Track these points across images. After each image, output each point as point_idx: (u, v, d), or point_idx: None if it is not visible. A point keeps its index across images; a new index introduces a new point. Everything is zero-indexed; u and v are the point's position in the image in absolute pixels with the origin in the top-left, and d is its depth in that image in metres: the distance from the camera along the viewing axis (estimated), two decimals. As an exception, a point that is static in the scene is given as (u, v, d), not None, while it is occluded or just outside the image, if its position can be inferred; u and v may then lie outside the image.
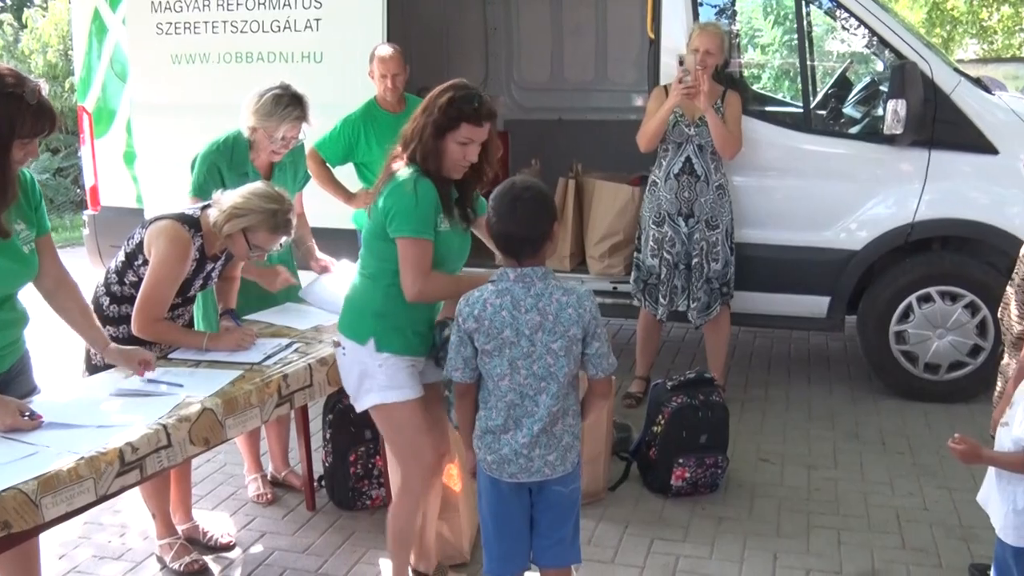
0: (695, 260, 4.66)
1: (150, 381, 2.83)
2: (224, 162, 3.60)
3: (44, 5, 14.80)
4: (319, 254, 3.95)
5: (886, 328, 4.89)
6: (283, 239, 3.17)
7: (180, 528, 3.52)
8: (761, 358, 5.86)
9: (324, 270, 3.90)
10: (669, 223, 4.65)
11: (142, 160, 5.79)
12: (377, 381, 2.84)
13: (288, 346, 3.19)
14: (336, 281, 3.77)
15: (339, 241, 4.60)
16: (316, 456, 3.95)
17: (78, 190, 10.91)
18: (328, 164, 4.71)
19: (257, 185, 3.18)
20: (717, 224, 4.66)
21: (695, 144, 4.58)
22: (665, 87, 4.66)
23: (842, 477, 4.14)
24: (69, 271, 2.80)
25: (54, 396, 2.75)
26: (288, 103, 3.52)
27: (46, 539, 2.86)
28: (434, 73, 7.36)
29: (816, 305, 4.98)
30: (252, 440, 3.95)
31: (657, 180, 4.69)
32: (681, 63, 4.49)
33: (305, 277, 3.94)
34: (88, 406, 2.66)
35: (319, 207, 4.27)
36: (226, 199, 3.11)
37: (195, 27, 5.49)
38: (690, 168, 4.60)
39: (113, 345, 2.88)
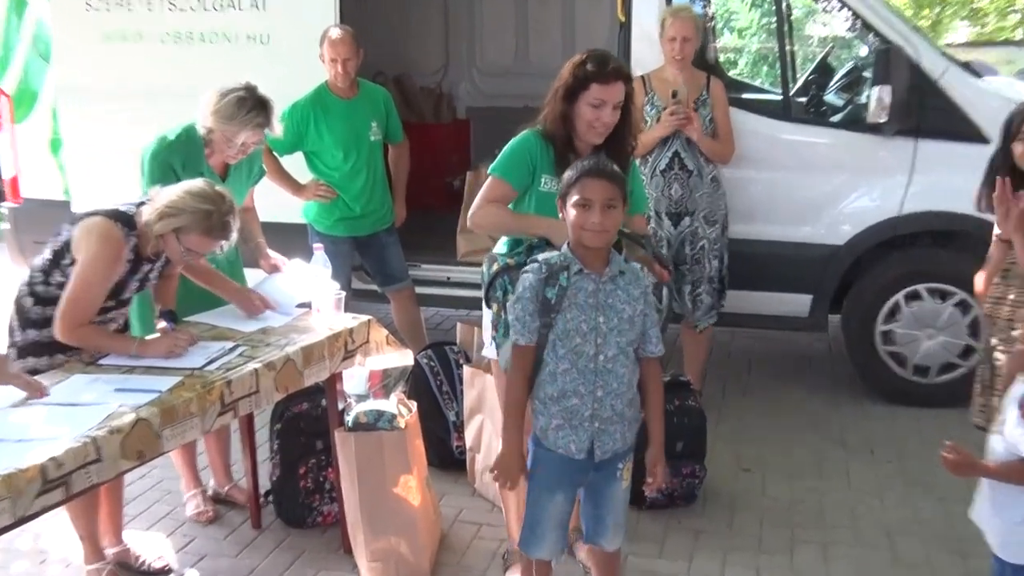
0: (696, 259, 4.63)
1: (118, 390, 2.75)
2: (178, 160, 3.53)
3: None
4: (269, 252, 3.89)
5: (872, 328, 4.90)
6: (221, 243, 3.10)
7: (110, 552, 3.44)
8: (740, 360, 5.86)
9: (274, 269, 3.84)
10: (655, 222, 4.61)
11: (69, 148, 5.66)
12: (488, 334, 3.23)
13: (232, 349, 3.12)
14: (288, 281, 3.72)
15: (290, 237, 4.56)
16: (262, 469, 3.88)
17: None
18: (275, 153, 4.66)
19: (195, 183, 3.12)
20: (715, 219, 4.64)
21: (683, 139, 4.53)
22: (643, 77, 4.60)
23: (827, 487, 4.14)
24: None
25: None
26: (252, 107, 3.48)
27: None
28: (390, 57, 7.38)
29: (797, 303, 4.99)
30: (188, 453, 3.88)
31: (644, 177, 4.63)
32: (675, 95, 4.46)
33: (253, 276, 3.86)
34: (6, 417, 2.56)
35: (268, 200, 4.22)
36: (161, 196, 3.05)
37: (129, 3, 5.39)
38: (680, 163, 4.56)
39: None
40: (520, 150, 3.04)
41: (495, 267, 2.89)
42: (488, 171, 3.09)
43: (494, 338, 2.97)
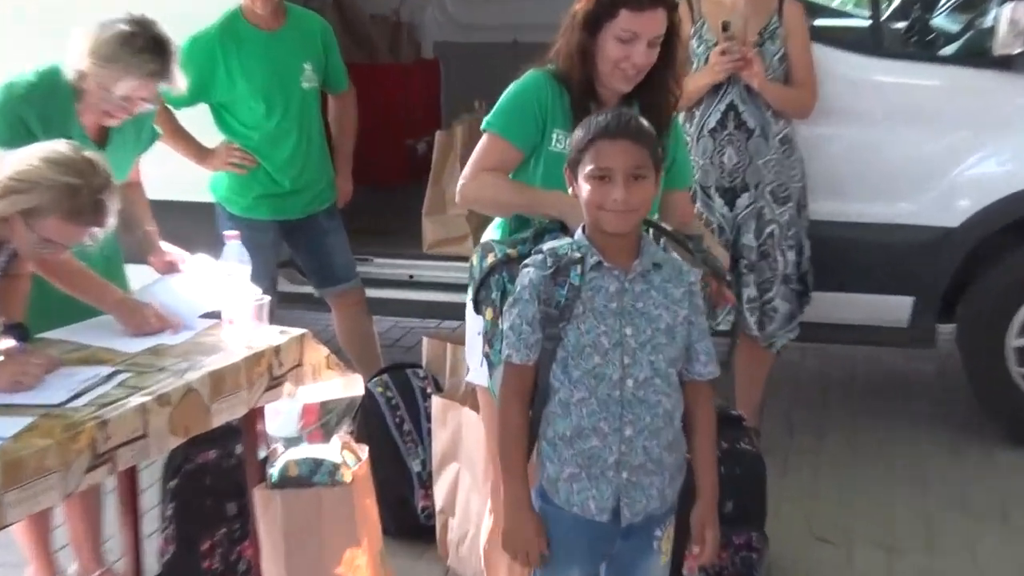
0: (763, 252, 4.66)
1: None
2: (34, 114, 3.51)
3: None
4: (162, 243, 3.88)
5: (1001, 343, 4.90)
6: (92, 231, 3.07)
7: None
8: (812, 387, 5.90)
9: (170, 268, 3.84)
10: (702, 201, 4.61)
11: None
12: None
13: (109, 377, 3.08)
14: (188, 283, 3.75)
15: (192, 221, 4.58)
16: (149, 545, 3.87)
17: None
18: (170, 107, 4.64)
19: (56, 146, 3.07)
20: (787, 194, 4.65)
21: (740, 86, 4.51)
22: (690, 1, 4.59)
23: (943, 567, 4.12)
24: None
25: None
26: (142, 48, 3.45)
27: None
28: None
29: (894, 309, 5.00)
30: (39, 526, 3.78)
31: (688, 139, 4.62)
32: (725, 28, 4.45)
33: (140, 277, 3.87)
34: None
35: (161, 171, 4.20)
36: (6, 164, 3.01)
37: None
38: (736, 120, 4.56)
39: None
40: (525, 96, 3.05)
41: (491, 259, 2.84)
42: (483, 126, 3.09)
43: (486, 356, 2.92)
